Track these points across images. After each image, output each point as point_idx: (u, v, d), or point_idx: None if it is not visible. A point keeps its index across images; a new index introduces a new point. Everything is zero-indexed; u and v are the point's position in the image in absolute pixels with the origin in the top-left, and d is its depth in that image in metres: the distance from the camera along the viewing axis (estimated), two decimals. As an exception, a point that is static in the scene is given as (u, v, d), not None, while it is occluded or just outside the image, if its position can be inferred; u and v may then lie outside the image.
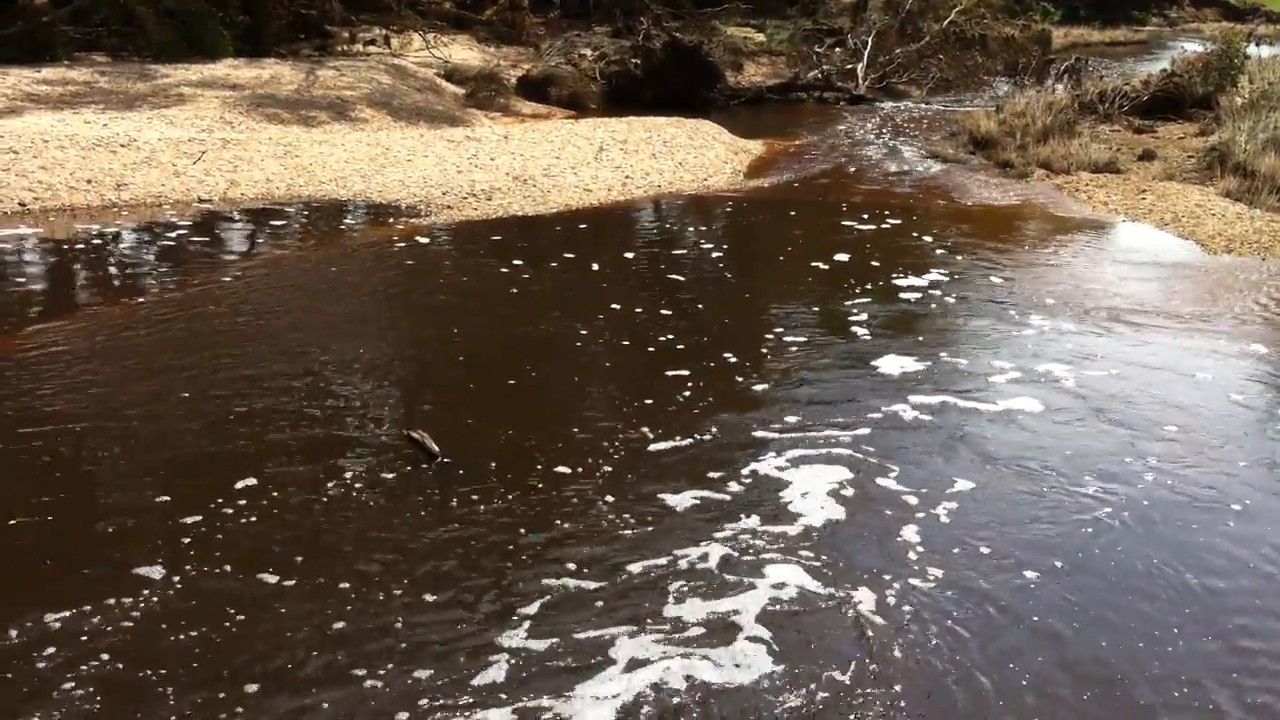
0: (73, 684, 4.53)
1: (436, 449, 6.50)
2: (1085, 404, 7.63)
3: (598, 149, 16.44)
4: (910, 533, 5.95)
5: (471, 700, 4.55)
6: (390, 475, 6.31)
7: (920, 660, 4.89)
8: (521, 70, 23.64)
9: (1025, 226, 13.23)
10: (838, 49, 26.66)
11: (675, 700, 4.60)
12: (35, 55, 18.98)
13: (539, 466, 6.48)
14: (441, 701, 4.54)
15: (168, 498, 5.99)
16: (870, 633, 5.07)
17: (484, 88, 21.67)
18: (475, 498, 6.09)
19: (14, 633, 4.83)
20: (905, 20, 26.77)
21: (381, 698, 4.54)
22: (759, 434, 7.09)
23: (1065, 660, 4.89)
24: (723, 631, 5.07)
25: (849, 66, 25.41)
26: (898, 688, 4.66)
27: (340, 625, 4.99)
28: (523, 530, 5.82)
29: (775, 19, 31.61)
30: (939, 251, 11.64)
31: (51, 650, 4.75)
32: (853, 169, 16.67)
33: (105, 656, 4.70)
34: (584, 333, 8.81)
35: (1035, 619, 5.20)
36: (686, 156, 16.55)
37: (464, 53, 25.10)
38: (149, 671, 4.64)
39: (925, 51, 26.21)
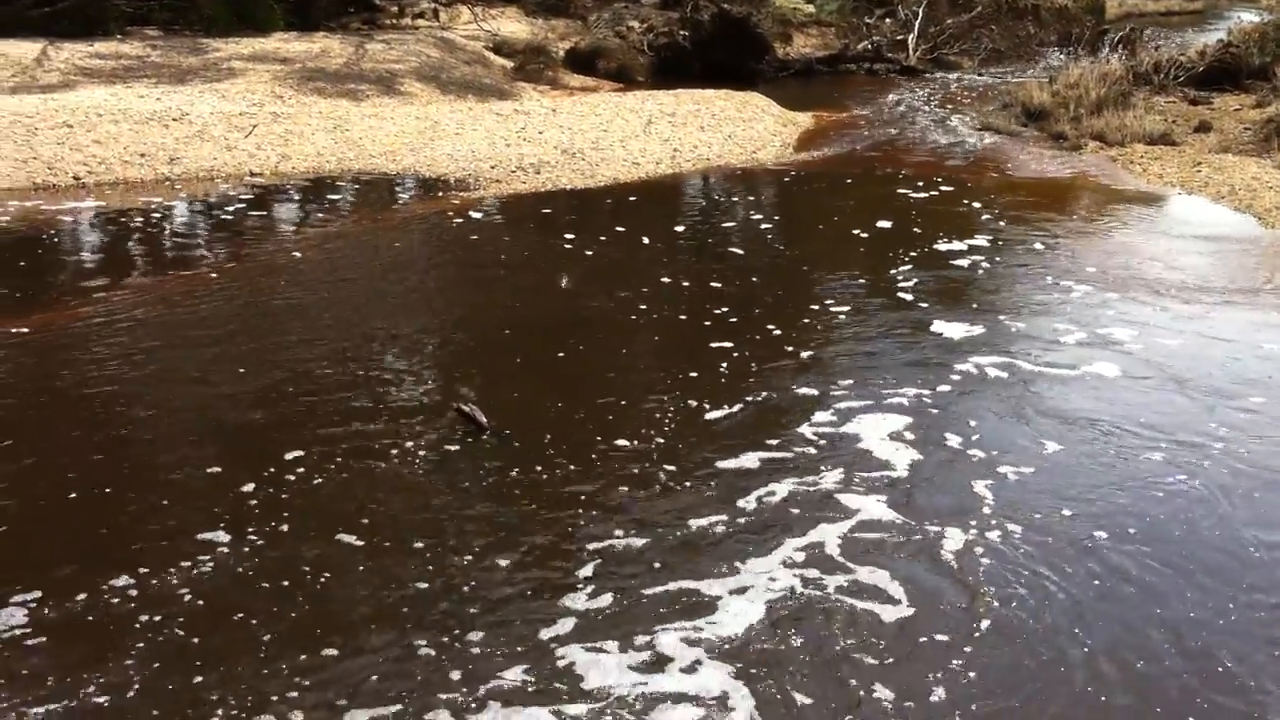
0: (142, 642, 4.60)
1: (486, 421, 6.51)
2: (1152, 371, 7.59)
3: (646, 122, 16.39)
4: (983, 489, 6.00)
5: (549, 650, 4.64)
6: (441, 447, 6.33)
7: (1003, 609, 4.98)
8: (569, 43, 23.56)
9: (1079, 199, 13.07)
10: (888, 20, 26.40)
11: (751, 644, 4.69)
12: (88, 29, 19.11)
13: (592, 437, 6.47)
14: (517, 650, 4.64)
15: (219, 468, 6.04)
16: (952, 589, 5.14)
17: (532, 61, 21.63)
18: (536, 468, 6.10)
19: (81, 596, 4.89)
20: (956, -10, 26.51)
21: (457, 652, 4.61)
22: (817, 399, 7.11)
23: (1131, 621, 4.92)
24: (797, 578, 5.16)
25: (899, 37, 25.16)
26: (982, 644, 4.67)
27: (407, 587, 5.03)
28: (582, 495, 5.85)
29: (824, -10, 31.35)
30: (991, 224, 11.53)
31: (121, 610, 4.81)
32: (903, 141, 16.53)
33: (172, 616, 4.76)
34: (634, 305, 8.80)
35: (1101, 581, 5.21)
36: (735, 129, 16.47)
37: (512, 25, 25.05)
38: (218, 630, 4.71)
39: (977, 22, 25.93)
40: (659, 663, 4.58)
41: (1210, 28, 31.58)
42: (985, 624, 4.87)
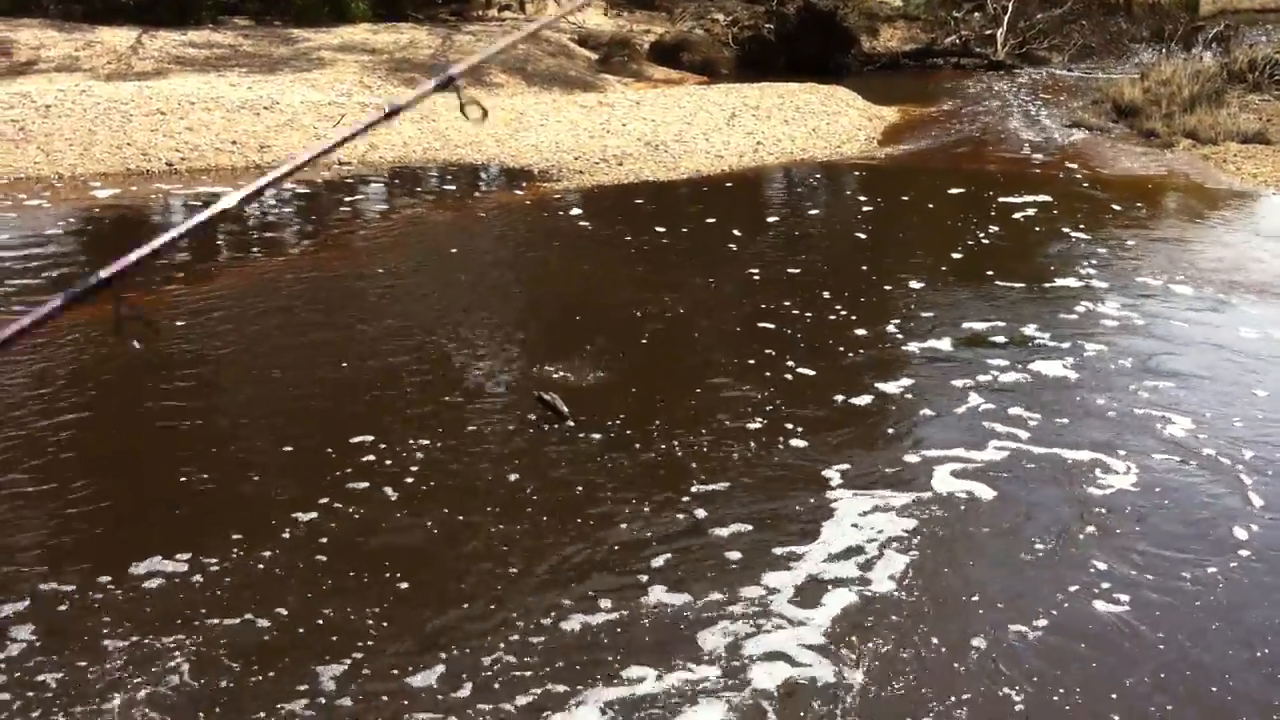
0: (227, 617, 4.66)
1: (566, 410, 6.52)
2: (1251, 348, 7.71)
3: (730, 115, 16.36)
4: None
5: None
6: (527, 433, 6.35)
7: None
8: (654, 35, 23.59)
9: (1171, 197, 12.84)
10: (976, 14, 26.06)
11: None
12: (181, 18, 19.49)
13: (677, 419, 6.45)
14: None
15: (311, 445, 6.14)
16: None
17: (617, 53, 21.71)
18: (620, 453, 6.10)
19: (183, 564, 4.99)
20: (1047, -16, 26.12)
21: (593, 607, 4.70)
22: (932, 380, 7.22)
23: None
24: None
25: (988, 32, 24.86)
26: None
27: (511, 566, 5.07)
28: (680, 466, 5.94)
29: (912, -17, 31.05)
30: (1082, 220, 11.35)
31: (261, 567, 4.96)
32: (990, 136, 16.34)
33: (258, 595, 4.83)
34: (716, 294, 8.78)
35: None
36: (819, 123, 16.39)
37: (598, 17, 25.12)
38: (340, 577, 4.85)
39: (1068, 17, 25.52)
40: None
41: (1309, 25, 30.85)
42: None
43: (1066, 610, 4.74)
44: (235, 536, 5.21)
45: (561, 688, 4.26)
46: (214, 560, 5.03)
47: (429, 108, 15.60)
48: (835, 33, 22.52)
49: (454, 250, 10.07)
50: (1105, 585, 4.90)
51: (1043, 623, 4.64)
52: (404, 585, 4.89)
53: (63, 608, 4.67)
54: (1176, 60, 19.65)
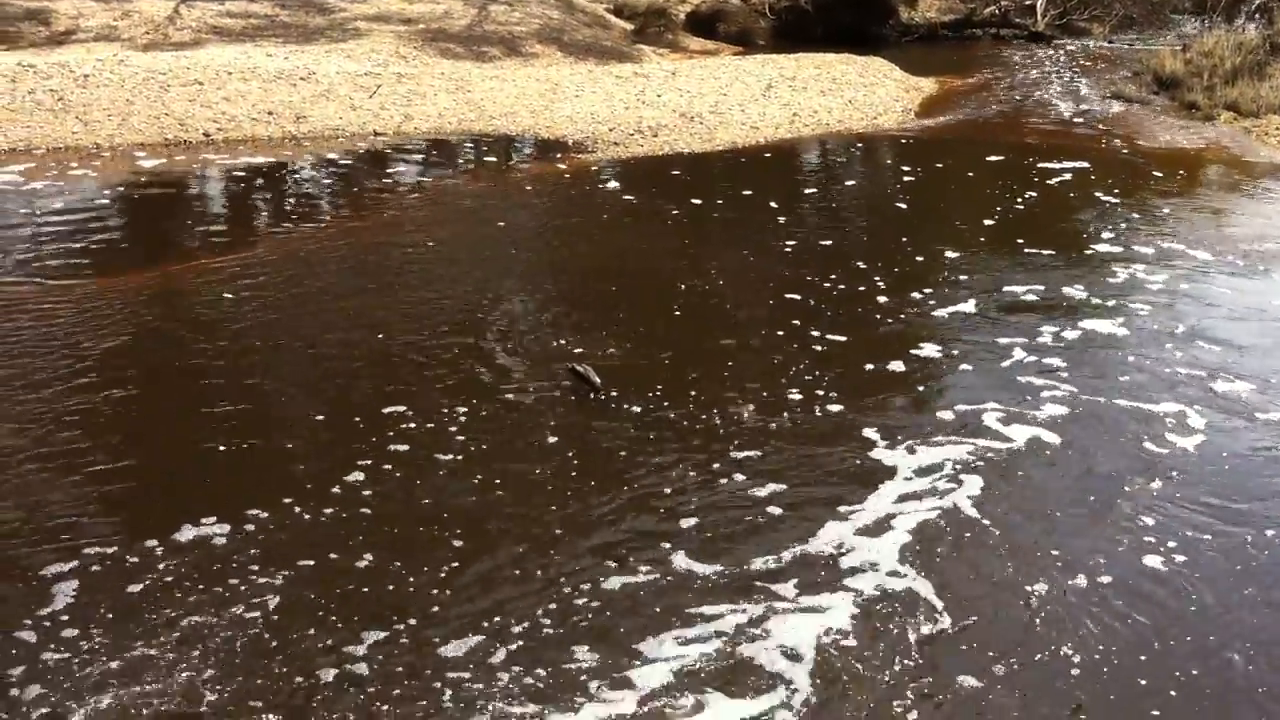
0: (267, 578, 4.70)
1: (599, 381, 6.53)
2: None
3: (766, 86, 16.27)
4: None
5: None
6: (561, 404, 6.38)
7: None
8: (690, 5, 23.45)
9: (1211, 169, 12.71)
10: (1016, -16, 25.85)
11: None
12: (219, -12, 19.51)
13: (711, 392, 6.44)
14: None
15: (328, 415, 6.16)
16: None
17: (652, 23, 21.62)
18: (658, 421, 6.12)
19: (224, 527, 5.04)
20: (1088, -46, 25.82)
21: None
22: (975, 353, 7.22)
23: None
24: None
25: (1028, 2, 24.61)
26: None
27: (556, 528, 5.13)
28: (718, 433, 5.97)
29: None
30: (1123, 191, 11.26)
31: (248, 546, 4.95)
32: (1029, 108, 16.20)
33: (298, 557, 4.87)
34: (753, 266, 8.76)
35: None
36: (856, 94, 16.28)
37: (633, -13, 25.02)
38: (355, 567, 4.82)
39: (1108, -13, 25.25)
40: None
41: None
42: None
43: (1122, 567, 4.81)
44: (285, 500, 5.28)
45: (635, 632, 4.41)
46: (254, 524, 5.08)
47: (464, 75, 15.62)
48: (873, 3, 22.34)
49: (490, 220, 10.07)
50: (1170, 544, 4.95)
51: (1105, 579, 4.70)
52: (448, 548, 4.93)
53: (105, 569, 4.73)
54: (1219, 32, 19.41)
